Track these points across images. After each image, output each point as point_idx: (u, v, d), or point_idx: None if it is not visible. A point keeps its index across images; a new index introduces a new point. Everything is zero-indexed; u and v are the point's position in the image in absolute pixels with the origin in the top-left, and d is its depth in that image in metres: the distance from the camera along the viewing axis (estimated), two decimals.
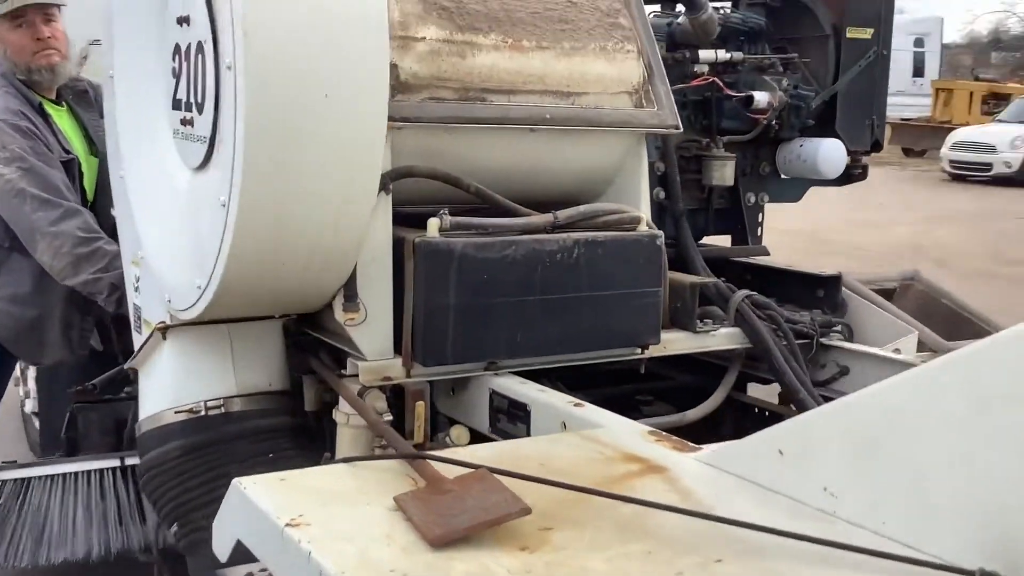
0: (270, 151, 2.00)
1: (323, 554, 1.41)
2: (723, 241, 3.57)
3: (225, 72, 2.01)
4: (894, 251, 11.72)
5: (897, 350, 2.98)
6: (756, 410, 3.14)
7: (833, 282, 3.09)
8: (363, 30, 2.05)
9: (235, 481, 1.70)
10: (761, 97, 3.28)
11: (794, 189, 3.63)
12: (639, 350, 2.69)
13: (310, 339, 2.66)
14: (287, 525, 1.51)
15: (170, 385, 2.58)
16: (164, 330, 2.56)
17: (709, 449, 1.85)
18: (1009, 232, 13.34)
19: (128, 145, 2.75)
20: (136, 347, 2.81)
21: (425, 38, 2.44)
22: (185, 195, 2.45)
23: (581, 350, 2.59)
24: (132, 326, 2.89)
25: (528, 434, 2.33)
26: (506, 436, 2.40)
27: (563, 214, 2.54)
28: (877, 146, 3.55)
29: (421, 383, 2.44)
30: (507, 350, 2.49)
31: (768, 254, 3.43)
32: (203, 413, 2.54)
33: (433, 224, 2.37)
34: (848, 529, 1.50)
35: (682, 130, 2.80)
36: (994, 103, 25.68)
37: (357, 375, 2.42)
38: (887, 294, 3.42)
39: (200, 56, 2.30)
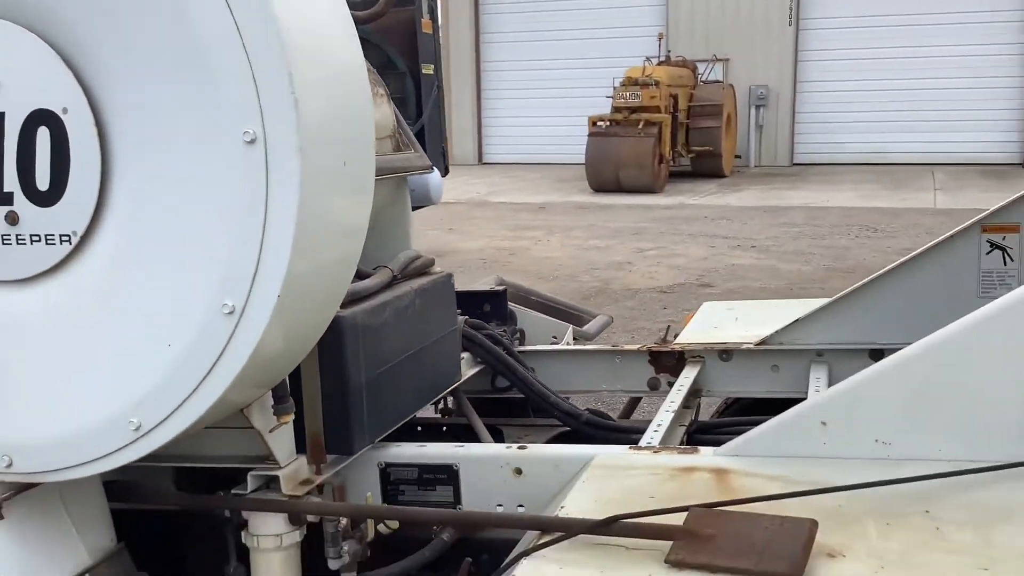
0: (313, 232, 1.66)
1: None
2: None
3: (242, 149, 1.59)
4: None
5: (568, 343, 3.46)
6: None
7: (500, 296, 3.41)
8: (362, 86, 1.80)
9: None
10: None
11: None
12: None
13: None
14: None
15: None
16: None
17: (731, 445, 2.11)
18: None
19: None
20: None
21: None
22: (13, 316, 1.79)
23: (428, 400, 2.55)
24: None
25: (457, 496, 2.27)
26: (422, 506, 2.29)
27: (395, 266, 2.46)
28: (446, 171, 3.92)
29: (342, 477, 2.19)
30: (393, 417, 2.35)
31: None
32: None
33: None
34: (905, 463, 1.92)
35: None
36: None
37: (259, 490, 2.08)
38: None
39: (46, 130, 1.72)
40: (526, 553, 1.72)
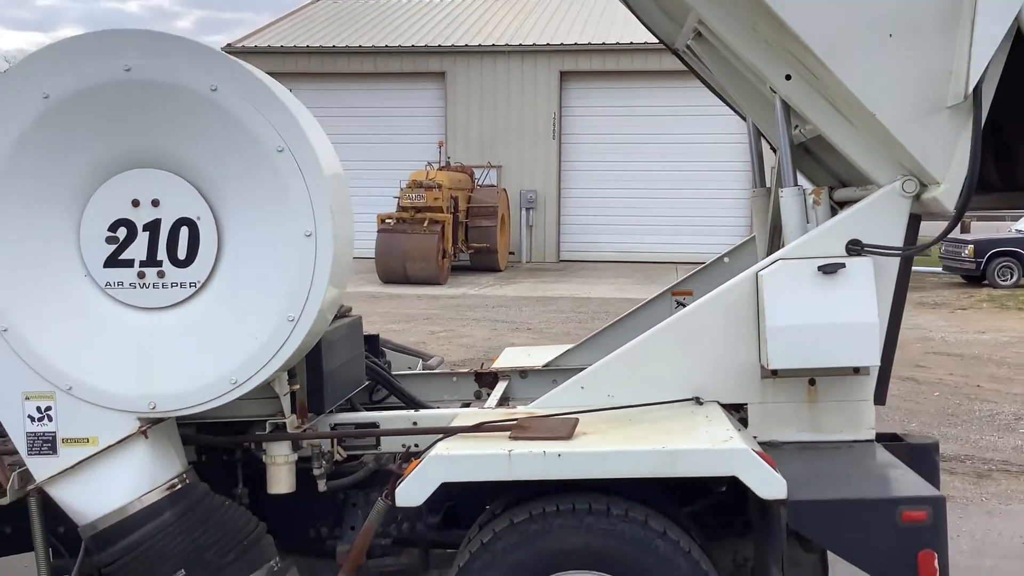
0: (334, 279, 3.33)
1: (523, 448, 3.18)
2: None
3: (303, 239, 3.25)
4: None
5: (421, 370, 5.17)
6: None
7: (375, 338, 5.07)
8: (349, 205, 3.52)
9: (431, 455, 3.19)
10: None
11: None
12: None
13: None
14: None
15: (144, 473, 3.35)
16: (146, 431, 3.33)
17: (535, 402, 3.88)
18: None
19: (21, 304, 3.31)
20: (41, 468, 3.33)
21: None
22: (157, 327, 3.34)
23: (351, 392, 4.20)
24: (27, 451, 3.33)
25: (378, 440, 3.93)
26: (354, 448, 3.94)
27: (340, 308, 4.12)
28: None
29: (315, 428, 3.81)
30: (337, 398, 3.99)
31: None
32: (180, 486, 3.41)
33: None
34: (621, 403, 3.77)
35: None
36: None
37: (272, 431, 3.67)
38: None
39: (186, 228, 3.32)
40: (437, 440, 3.42)
